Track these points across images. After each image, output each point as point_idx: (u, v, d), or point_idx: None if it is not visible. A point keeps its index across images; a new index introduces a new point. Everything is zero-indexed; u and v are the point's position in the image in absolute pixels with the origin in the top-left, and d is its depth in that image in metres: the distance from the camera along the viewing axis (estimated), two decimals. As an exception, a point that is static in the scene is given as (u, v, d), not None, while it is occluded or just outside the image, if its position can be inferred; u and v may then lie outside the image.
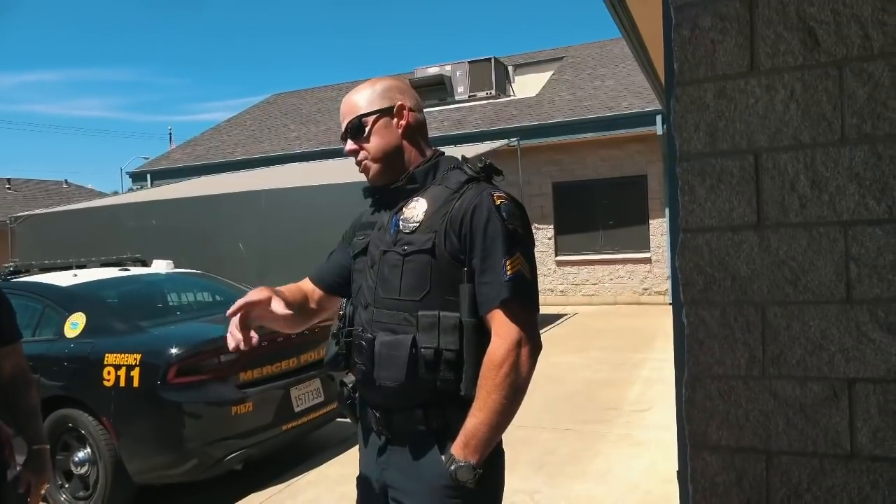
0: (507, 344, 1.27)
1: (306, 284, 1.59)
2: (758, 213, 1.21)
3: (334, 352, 1.44)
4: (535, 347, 1.32)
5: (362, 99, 1.43)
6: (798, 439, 1.21)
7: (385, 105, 1.42)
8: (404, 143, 1.43)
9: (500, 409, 1.26)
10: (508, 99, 13.32)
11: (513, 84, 14.15)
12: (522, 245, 1.32)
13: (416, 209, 1.37)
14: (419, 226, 1.35)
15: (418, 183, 1.41)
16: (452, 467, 1.26)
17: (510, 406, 1.28)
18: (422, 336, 1.30)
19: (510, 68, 14.29)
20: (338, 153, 12.50)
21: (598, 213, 11.41)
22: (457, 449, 1.27)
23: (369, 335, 1.36)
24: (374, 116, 1.42)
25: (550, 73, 14.01)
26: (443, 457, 1.29)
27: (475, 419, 1.27)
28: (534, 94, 12.94)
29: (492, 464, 1.36)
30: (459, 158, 1.47)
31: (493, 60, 13.27)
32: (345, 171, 9.02)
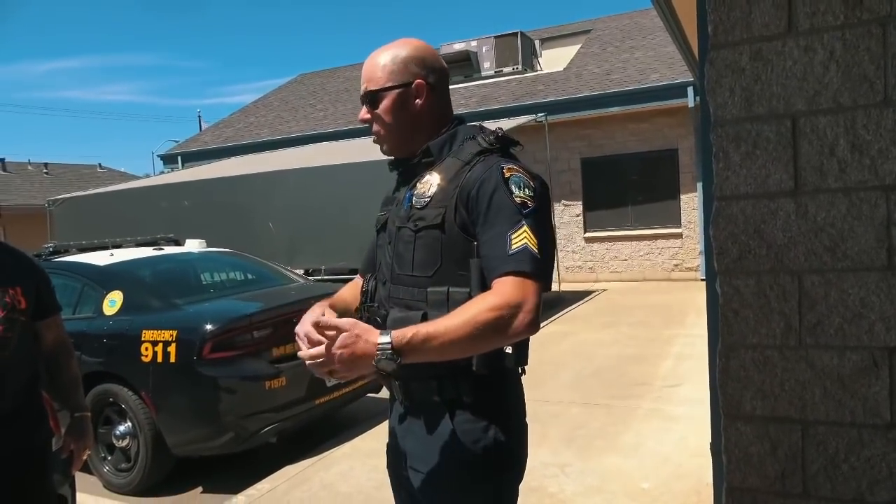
0: (504, 300, 1.18)
1: (359, 281, 1.61)
2: (795, 179, 1.18)
3: (365, 319, 1.46)
4: (532, 322, 1.20)
5: (382, 68, 1.39)
6: (835, 409, 1.19)
7: (403, 80, 1.37)
8: (420, 119, 1.39)
9: (462, 343, 1.16)
10: (535, 73, 13.13)
11: (540, 58, 13.94)
12: (530, 218, 1.25)
13: (429, 183, 1.35)
14: (430, 200, 1.33)
15: (433, 156, 1.38)
16: (381, 356, 1.14)
17: (469, 348, 1.20)
18: (433, 312, 1.29)
19: (537, 42, 14.06)
20: (365, 132, 12.54)
21: (628, 189, 11.24)
22: (397, 336, 1.15)
23: (384, 311, 1.37)
24: (390, 92, 1.38)
25: (578, 46, 13.75)
26: (379, 332, 1.17)
27: (434, 332, 1.16)
28: (561, 69, 12.73)
29: (513, 438, 1.36)
30: (477, 126, 1.43)
31: (519, 35, 13.07)
32: (372, 150, 9.01)
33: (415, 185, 1.38)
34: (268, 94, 18.42)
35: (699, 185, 10.48)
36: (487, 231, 1.26)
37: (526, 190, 1.28)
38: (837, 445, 1.20)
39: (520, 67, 12.94)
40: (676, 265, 11.13)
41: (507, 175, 1.28)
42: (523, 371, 1.42)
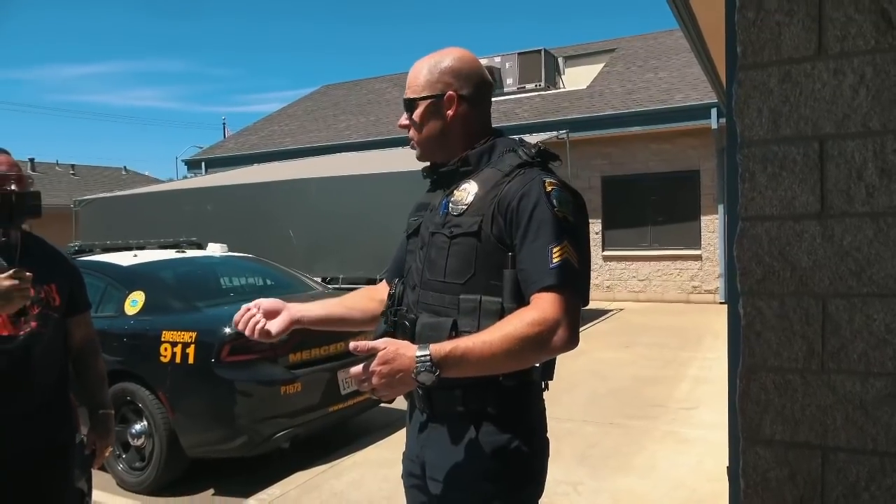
0: (544, 315, 1.19)
1: (380, 287, 1.63)
2: (821, 202, 1.17)
3: (382, 330, 1.46)
4: (570, 338, 1.22)
5: (419, 76, 1.42)
6: (857, 436, 1.18)
7: (436, 91, 1.40)
8: (452, 130, 1.41)
9: (500, 358, 1.18)
10: (558, 91, 13.16)
11: (563, 76, 13.98)
12: (571, 233, 1.27)
13: (467, 192, 1.36)
14: (467, 208, 1.34)
15: (471, 165, 1.40)
16: (420, 368, 1.16)
17: (507, 364, 1.21)
18: (463, 319, 1.29)
19: (560, 60, 14.11)
20: (387, 143, 12.65)
21: (648, 209, 11.19)
22: (437, 354, 1.17)
23: (413, 316, 1.37)
24: (424, 102, 1.41)
25: (601, 65, 13.77)
26: (418, 346, 1.19)
27: (472, 347, 1.18)
28: (584, 87, 12.74)
29: (535, 452, 1.36)
30: (517, 140, 1.44)
31: (543, 52, 13.13)
32: (393, 161, 9.09)
33: (452, 192, 1.39)
34: (292, 103, 18.66)
35: (720, 208, 10.40)
36: (528, 244, 1.26)
37: (567, 205, 1.29)
38: (858, 473, 1.18)
39: (542, 84, 12.98)
40: (695, 287, 11.03)
41: (549, 189, 1.28)
42: (546, 386, 1.41)
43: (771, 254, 1.22)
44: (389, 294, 1.51)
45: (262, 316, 1.47)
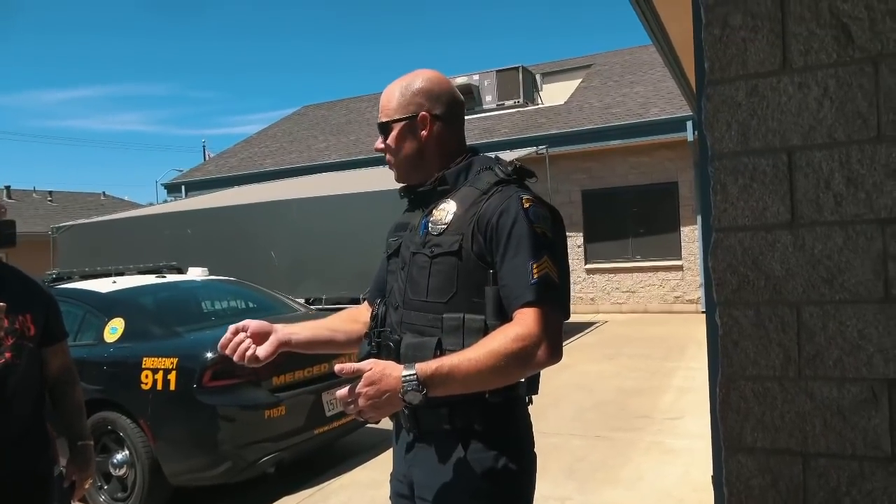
0: (527, 330, 1.21)
1: (363, 307, 1.63)
2: (792, 212, 1.20)
3: (366, 351, 1.46)
4: (554, 352, 1.23)
5: (392, 99, 1.44)
6: (836, 441, 1.19)
7: (409, 113, 1.41)
8: (428, 150, 1.42)
9: (485, 374, 1.19)
10: (536, 107, 13.30)
11: (541, 92, 14.14)
12: (550, 249, 1.28)
13: (445, 211, 1.37)
14: (447, 228, 1.34)
15: (449, 184, 1.41)
16: (407, 387, 1.17)
17: (492, 380, 1.22)
18: (447, 338, 1.30)
19: (538, 77, 14.28)
20: (367, 163, 12.65)
21: (628, 221, 11.30)
22: (423, 373, 1.18)
23: (397, 336, 1.37)
24: (398, 124, 1.42)
25: (578, 80, 13.96)
26: (404, 366, 1.20)
27: (458, 364, 1.20)
28: (562, 102, 12.90)
29: (523, 468, 1.36)
30: (493, 158, 1.46)
31: (520, 69, 13.28)
32: (373, 180, 9.11)
33: (430, 212, 1.40)
34: (271, 125, 18.65)
35: (699, 218, 10.52)
36: (508, 260, 1.27)
37: (544, 221, 1.31)
38: (839, 478, 1.19)
39: (521, 101, 13.12)
40: (677, 297, 11.13)
41: (526, 205, 1.30)
42: (531, 400, 1.42)
43: (745, 264, 1.24)
44: (372, 315, 1.51)
45: (250, 339, 1.47)
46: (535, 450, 1.42)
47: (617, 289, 11.53)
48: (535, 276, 1.24)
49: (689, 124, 10.07)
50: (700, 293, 10.65)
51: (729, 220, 1.24)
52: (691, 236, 10.83)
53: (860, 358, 1.16)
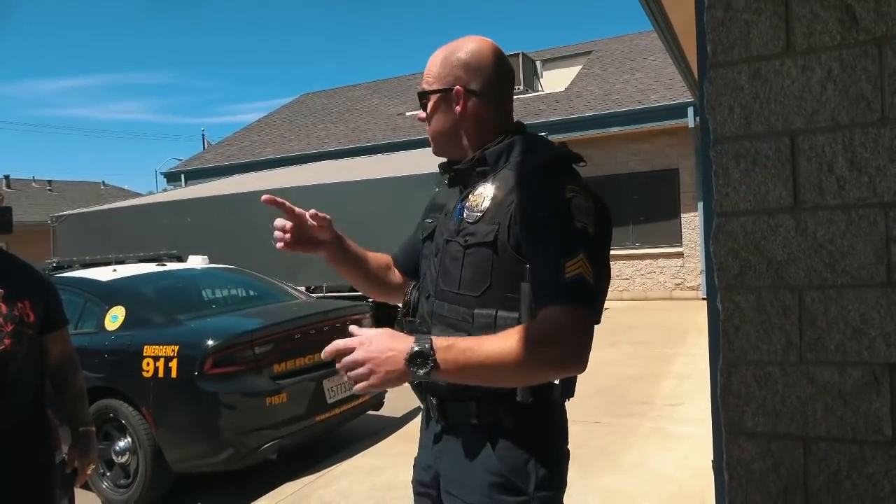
0: (552, 334, 1.11)
1: (392, 266, 1.57)
2: (794, 196, 1.19)
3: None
4: (578, 359, 1.12)
5: (433, 67, 1.35)
6: (837, 426, 1.19)
7: (444, 85, 1.32)
8: (464, 126, 1.33)
9: (502, 367, 1.10)
10: (537, 94, 13.25)
11: (541, 79, 14.07)
12: (589, 246, 1.16)
13: (482, 196, 1.26)
14: (482, 215, 1.24)
15: (488, 165, 1.30)
16: (417, 345, 1.09)
17: (507, 376, 1.13)
18: (477, 335, 1.20)
19: (538, 63, 14.20)
20: (367, 151, 12.59)
21: (629, 208, 11.28)
22: (437, 340, 1.11)
23: (425, 328, 1.32)
24: (434, 95, 1.34)
25: (579, 67, 13.89)
26: (414, 337, 1.11)
27: (475, 346, 1.11)
28: (562, 89, 12.84)
29: (553, 471, 1.29)
30: (540, 138, 1.34)
31: (521, 56, 13.21)
32: (374, 168, 9.09)
33: (467, 196, 1.30)
34: (271, 113, 18.58)
35: (700, 205, 10.52)
36: (541, 255, 1.17)
37: (587, 215, 1.19)
38: (839, 462, 1.19)
39: (521, 88, 13.06)
40: (678, 284, 11.13)
41: (569, 196, 1.18)
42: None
43: (747, 248, 1.23)
44: (404, 301, 1.45)
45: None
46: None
47: (618, 276, 11.53)
48: (568, 276, 1.13)
49: (690, 110, 10.03)
50: (700, 280, 10.66)
51: (731, 204, 1.24)
52: (692, 223, 10.82)
53: (862, 342, 1.16)
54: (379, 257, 1.58)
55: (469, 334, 1.21)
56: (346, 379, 1.14)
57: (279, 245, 1.46)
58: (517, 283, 1.20)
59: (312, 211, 1.44)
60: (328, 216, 1.46)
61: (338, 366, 1.13)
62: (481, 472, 1.26)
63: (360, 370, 1.10)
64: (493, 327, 1.20)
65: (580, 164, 1.32)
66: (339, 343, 1.13)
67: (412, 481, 1.47)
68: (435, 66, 1.34)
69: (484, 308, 1.23)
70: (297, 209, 1.45)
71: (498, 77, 1.34)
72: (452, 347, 1.10)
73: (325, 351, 1.14)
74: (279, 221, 1.45)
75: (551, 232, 1.17)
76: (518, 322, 1.18)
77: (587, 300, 1.14)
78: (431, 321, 1.32)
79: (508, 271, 1.21)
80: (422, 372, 1.09)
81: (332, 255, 1.51)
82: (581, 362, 1.13)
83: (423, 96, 1.36)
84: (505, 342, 1.11)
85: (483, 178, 1.30)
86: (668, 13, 3.41)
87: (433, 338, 1.12)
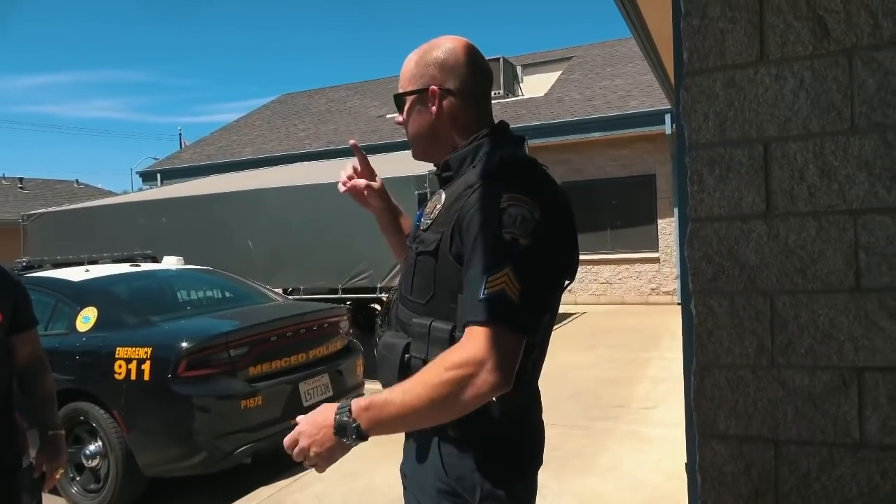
0: (464, 356, 1.07)
1: None
2: (767, 202, 1.21)
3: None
4: (500, 379, 1.06)
5: (407, 69, 1.33)
6: (807, 428, 1.21)
7: (419, 85, 1.30)
8: (441, 128, 1.30)
9: (422, 408, 1.08)
10: (517, 98, 13.31)
11: (521, 84, 14.14)
12: (518, 259, 1.09)
13: (436, 203, 1.25)
14: (432, 223, 1.23)
15: (452, 170, 1.28)
16: (339, 419, 1.11)
17: (432, 414, 1.10)
18: (414, 344, 1.22)
19: (518, 68, 14.28)
20: (347, 152, 12.52)
21: (607, 213, 11.39)
22: (357, 404, 1.12)
23: (381, 333, 1.34)
24: (409, 97, 1.32)
25: (559, 72, 14.00)
26: (338, 403, 1.15)
27: (392, 397, 1.10)
28: (542, 94, 12.93)
29: (507, 476, 1.26)
30: (499, 141, 1.28)
31: (501, 60, 13.26)
32: (353, 170, 9.03)
33: (427, 203, 1.30)
34: (250, 113, 18.42)
35: (676, 211, 10.65)
36: (470, 267, 1.13)
37: (524, 225, 1.11)
38: (809, 464, 1.22)
39: (502, 92, 13.11)
40: (654, 289, 11.25)
41: (505, 205, 1.12)
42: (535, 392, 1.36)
43: (720, 253, 1.25)
44: (384, 303, 1.47)
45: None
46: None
47: (595, 280, 11.62)
48: (487, 292, 1.07)
49: (668, 117, 10.15)
50: (676, 285, 10.78)
51: (705, 209, 1.25)
52: (668, 229, 10.95)
53: (831, 346, 1.18)
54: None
55: (407, 343, 1.23)
56: (306, 466, 1.19)
57: (341, 188, 1.55)
58: (457, 294, 1.16)
59: (378, 181, 1.54)
60: (377, 184, 1.54)
61: (293, 456, 1.17)
62: (432, 477, 1.25)
63: (311, 455, 1.15)
64: (426, 337, 1.20)
65: (541, 167, 1.29)
66: (286, 441, 1.18)
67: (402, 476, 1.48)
68: (410, 68, 1.32)
69: (424, 317, 1.22)
70: (371, 167, 1.55)
71: (474, 76, 1.31)
72: (371, 406, 1.11)
73: (284, 446, 1.19)
74: (350, 167, 1.54)
75: (480, 244, 1.12)
76: (450, 334, 1.16)
77: (507, 316, 1.08)
78: (395, 325, 1.33)
79: (451, 281, 1.18)
80: (352, 439, 1.12)
81: (383, 222, 1.58)
82: (505, 382, 1.08)
83: (399, 98, 1.35)
84: (420, 380, 1.09)
85: (446, 183, 1.29)
86: (647, 20, 3.45)
87: (353, 402, 1.13)
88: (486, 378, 1.06)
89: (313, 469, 1.19)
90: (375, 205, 1.55)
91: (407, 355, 1.23)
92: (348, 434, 1.11)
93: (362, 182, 1.53)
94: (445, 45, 1.31)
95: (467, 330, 1.10)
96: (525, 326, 1.11)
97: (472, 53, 1.32)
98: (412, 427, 1.17)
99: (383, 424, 1.11)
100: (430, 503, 1.26)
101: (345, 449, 1.15)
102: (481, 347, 1.06)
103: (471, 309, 1.10)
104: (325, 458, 1.15)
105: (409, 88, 1.32)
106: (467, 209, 1.16)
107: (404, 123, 1.37)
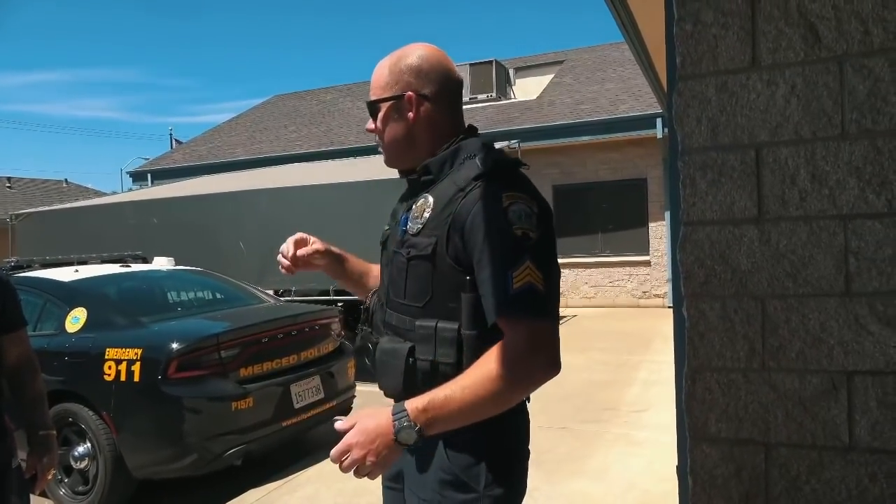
0: (519, 350, 1.14)
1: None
2: (758, 207, 1.22)
3: (360, 344, 1.43)
4: (551, 364, 1.17)
5: (380, 77, 1.34)
6: (797, 432, 1.22)
7: (395, 92, 1.31)
8: (417, 133, 1.32)
9: (480, 404, 1.14)
10: (509, 101, 13.34)
11: (514, 87, 14.18)
12: (534, 252, 1.16)
13: (424, 207, 1.27)
14: (423, 227, 1.25)
15: (432, 174, 1.30)
16: (398, 425, 1.14)
17: (490, 408, 1.16)
18: (419, 346, 1.24)
19: (511, 71, 14.32)
20: (338, 154, 12.53)
21: (598, 216, 11.43)
22: (412, 406, 1.15)
23: (375, 339, 1.34)
24: (385, 104, 1.33)
25: (551, 76, 14.04)
26: (393, 406, 1.16)
27: (451, 396, 1.14)
28: (534, 97, 12.96)
29: (510, 463, 1.31)
30: (481, 144, 1.32)
31: (494, 63, 13.30)
32: (345, 171, 9.03)
33: (411, 206, 1.31)
34: (241, 114, 18.36)
35: (667, 214, 10.71)
36: (486, 268, 1.16)
37: (527, 220, 1.18)
38: (799, 468, 1.22)
39: (494, 95, 13.15)
40: (645, 293, 11.29)
41: (506, 204, 1.17)
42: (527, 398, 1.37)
43: (712, 257, 1.26)
44: (364, 307, 1.46)
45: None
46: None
47: (586, 283, 11.65)
48: (516, 287, 1.13)
49: (659, 122, 10.20)
50: (667, 289, 10.83)
51: (697, 214, 1.26)
52: (659, 232, 11.00)
53: (821, 350, 1.19)
54: (360, 264, 1.62)
55: (411, 346, 1.25)
56: (358, 477, 1.19)
57: (283, 270, 1.56)
58: (458, 293, 1.21)
59: (313, 248, 1.55)
60: (318, 248, 1.56)
61: (343, 468, 1.17)
62: (434, 469, 1.28)
63: (366, 464, 1.15)
64: (432, 338, 1.23)
65: (523, 168, 1.31)
66: (334, 454, 1.17)
67: (382, 479, 1.48)
68: (383, 75, 1.34)
69: (425, 319, 1.25)
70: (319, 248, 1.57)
71: (448, 81, 1.34)
72: (429, 407, 1.14)
73: (332, 459, 1.19)
74: (284, 247, 1.54)
75: (492, 243, 1.16)
76: (457, 333, 1.21)
77: (541, 308, 1.16)
78: (383, 331, 1.34)
79: (448, 282, 1.22)
80: (413, 442, 1.15)
81: (334, 274, 1.60)
82: (554, 366, 1.18)
83: (374, 106, 1.35)
84: (472, 379, 1.14)
85: (427, 187, 1.30)
86: (640, 25, 3.47)
87: (407, 405, 1.15)
88: (540, 365, 1.16)
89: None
90: (321, 263, 1.57)
91: (412, 359, 1.25)
92: (411, 439, 1.14)
93: (304, 251, 1.54)
94: (418, 52, 1.33)
95: (506, 324, 1.15)
96: (552, 312, 1.20)
97: (444, 60, 1.35)
98: (467, 423, 1.18)
99: (441, 423, 1.15)
100: (432, 496, 1.27)
101: (399, 453, 1.17)
102: (528, 339, 1.14)
103: (502, 304, 1.15)
104: (381, 466, 1.16)
105: (384, 95, 1.33)
106: (465, 211, 1.19)
107: (377, 131, 1.38)
